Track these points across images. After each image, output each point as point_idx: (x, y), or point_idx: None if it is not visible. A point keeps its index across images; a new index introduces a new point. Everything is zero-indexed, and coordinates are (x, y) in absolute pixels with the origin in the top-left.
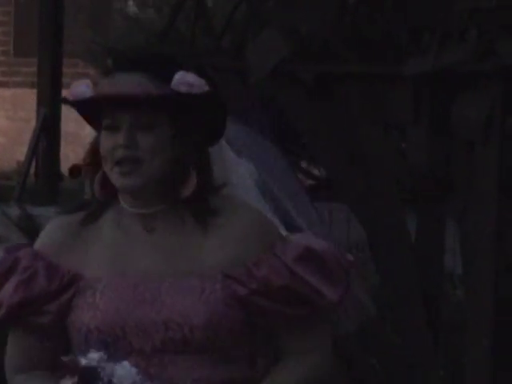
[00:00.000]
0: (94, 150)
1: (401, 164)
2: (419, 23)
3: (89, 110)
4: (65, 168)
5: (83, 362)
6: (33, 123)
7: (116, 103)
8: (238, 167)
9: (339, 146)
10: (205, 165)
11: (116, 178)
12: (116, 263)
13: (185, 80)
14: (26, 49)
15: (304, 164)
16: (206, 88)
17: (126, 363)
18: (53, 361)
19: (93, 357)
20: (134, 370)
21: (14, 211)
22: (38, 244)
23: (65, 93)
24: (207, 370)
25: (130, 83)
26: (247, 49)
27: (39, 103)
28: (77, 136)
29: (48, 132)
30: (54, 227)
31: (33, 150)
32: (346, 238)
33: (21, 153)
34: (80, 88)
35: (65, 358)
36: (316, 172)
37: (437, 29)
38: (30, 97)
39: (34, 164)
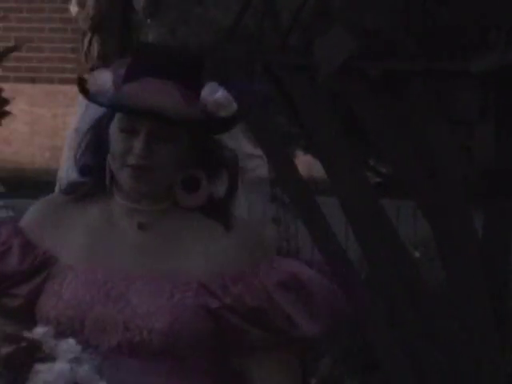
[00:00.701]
0: (96, 136)
1: (468, 161)
2: (486, 20)
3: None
4: None
5: (26, 334)
6: None
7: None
8: (252, 159)
9: (406, 143)
10: (216, 173)
11: (125, 178)
12: (92, 254)
13: (215, 98)
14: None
15: (371, 161)
16: (234, 108)
17: (71, 340)
18: None
19: (38, 331)
20: (78, 347)
21: None
22: (23, 220)
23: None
24: (161, 379)
25: (157, 94)
26: (315, 45)
27: None
28: None
29: None
30: (41, 205)
31: None
32: (413, 235)
33: None
34: (103, 81)
35: (8, 330)
36: (383, 169)
37: (504, 25)
38: None
39: None
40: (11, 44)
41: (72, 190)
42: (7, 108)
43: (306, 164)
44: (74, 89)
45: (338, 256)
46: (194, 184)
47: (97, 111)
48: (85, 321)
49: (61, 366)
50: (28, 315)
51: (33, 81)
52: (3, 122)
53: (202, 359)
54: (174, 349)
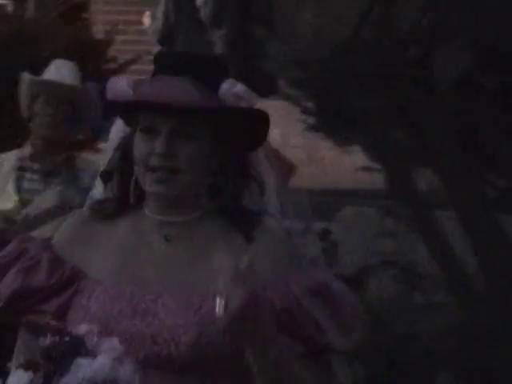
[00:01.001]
0: (123, 152)
1: None
2: None
3: (124, 107)
4: None
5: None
6: None
7: (158, 108)
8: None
9: None
10: (244, 174)
11: (149, 183)
12: (121, 269)
13: (233, 91)
14: None
15: (489, 175)
16: (255, 100)
17: (115, 339)
18: None
19: (82, 328)
20: (121, 347)
21: None
22: (54, 236)
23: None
24: None
25: (176, 89)
26: (433, 59)
27: None
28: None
29: None
30: (72, 221)
31: None
32: None
33: None
34: (120, 86)
35: (34, 318)
36: (501, 183)
37: None
38: None
39: None
40: (130, 57)
41: (99, 207)
42: None
43: (423, 177)
44: None
45: (454, 269)
46: (219, 190)
47: (120, 129)
48: (112, 334)
49: (102, 362)
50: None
51: None
52: None
53: (227, 372)
54: (201, 362)
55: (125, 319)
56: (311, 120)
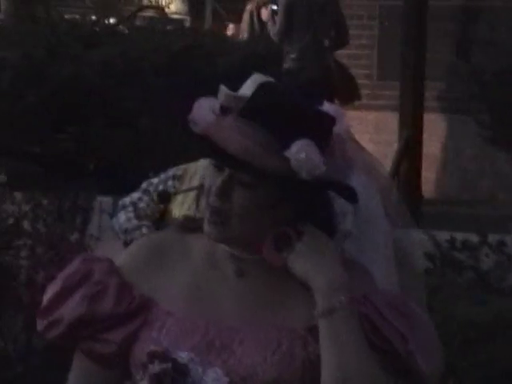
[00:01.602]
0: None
1: None
2: None
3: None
4: (426, 190)
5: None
6: (395, 146)
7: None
8: None
9: None
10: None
11: (205, 221)
12: (194, 299)
13: (298, 156)
14: (388, 72)
15: None
16: (323, 168)
17: (218, 369)
18: None
19: (184, 355)
20: (226, 379)
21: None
22: (120, 260)
23: (426, 116)
24: None
25: (243, 139)
26: None
27: (401, 126)
28: (438, 158)
29: (410, 154)
30: (140, 244)
31: (394, 172)
32: None
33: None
34: (201, 110)
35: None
36: None
37: None
38: (392, 120)
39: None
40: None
41: (189, 223)
42: None
43: None
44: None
45: None
46: (284, 242)
47: None
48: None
49: None
50: (119, 363)
51: None
52: None
53: None
54: None
55: (200, 355)
56: (487, 133)
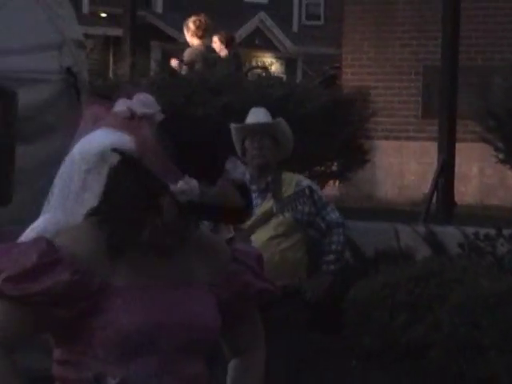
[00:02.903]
0: None
1: None
2: None
3: None
4: (458, 199)
5: None
6: (434, 166)
7: None
8: None
9: None
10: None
11: None
12: (141, 274)
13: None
14: (430, 113)
15: None
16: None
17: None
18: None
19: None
20: None
21: (422, 229)
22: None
23: (457, 145)
24: (200, 366)
25: None
26: None
27: (439, 151)
28: (466, 176)
29: (446, 172)
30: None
31: (434, 186)
32: None
33: (425, 188)
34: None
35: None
36: None
37: None
38: (432, 148)
39: (435, 195)
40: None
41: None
42: None
43: None
44: None
45: None
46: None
47: None
48: (159, 328)
49: None
50: (73, 333)
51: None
52: None
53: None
54: (213, 341)
55: (165, 314)
56: (501, 155)
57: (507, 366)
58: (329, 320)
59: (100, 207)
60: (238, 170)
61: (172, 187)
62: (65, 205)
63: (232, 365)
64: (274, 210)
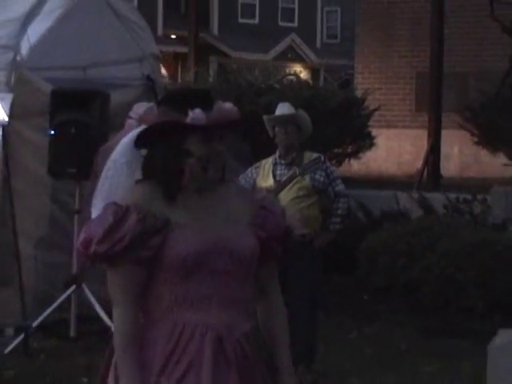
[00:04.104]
0: None
1: None
2: None
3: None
4: (443, 173)
5: None
6: (425, 148)
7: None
8: None
9: None
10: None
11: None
12: (193, 212)
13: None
14: (421, 107)
15: None
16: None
17: None
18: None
19: None
20: None
21: (415, 195)
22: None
23: (443, 132)
24: (246, 294)
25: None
26: None
27: (429, 137)
28: (450, 155)
29: (434, 153)
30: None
31: (425, 162)
32: None
33: (418, 164)
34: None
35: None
36: None
37: None
38: (424, 134)
39: (425, 170)
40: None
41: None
42: None
43: None
44: None
45: None
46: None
47: None
48: (209, 253)
49: None
50: (153, 263)
51: None
52: None
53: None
54: (253, 268)
55: (214, 242)
56: (476, 139)
57: (482, 298)
58: (345, 264)
59: (145, 172)
60: None
61: (187, 119)
62: (116, 194)
63: (260, 309)
64: (298, 172)
